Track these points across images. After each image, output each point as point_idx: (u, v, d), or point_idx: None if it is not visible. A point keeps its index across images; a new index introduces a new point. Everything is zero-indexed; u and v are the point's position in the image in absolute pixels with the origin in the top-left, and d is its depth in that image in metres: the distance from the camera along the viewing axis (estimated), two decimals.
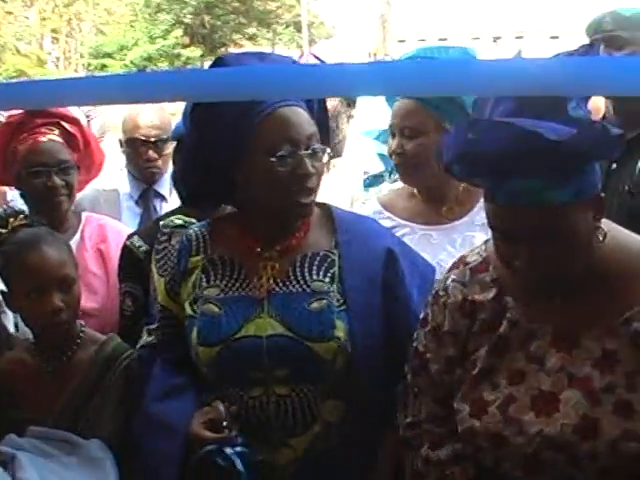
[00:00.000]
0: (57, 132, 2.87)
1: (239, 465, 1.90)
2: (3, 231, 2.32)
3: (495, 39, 37.47)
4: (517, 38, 35.72)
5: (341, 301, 2.03)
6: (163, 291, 2.19)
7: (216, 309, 2.03)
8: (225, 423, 1.95)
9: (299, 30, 32.13)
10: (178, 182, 2.31)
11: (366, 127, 3.08)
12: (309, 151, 1.99)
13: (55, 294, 2.21)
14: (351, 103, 3.54)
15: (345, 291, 2.04)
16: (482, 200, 2.53)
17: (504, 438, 1.74)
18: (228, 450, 1.91)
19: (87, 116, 5.17)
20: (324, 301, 2.02)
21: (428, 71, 1.20)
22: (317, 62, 3.34)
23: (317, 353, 1.98)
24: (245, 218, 2.12)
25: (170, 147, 3.19)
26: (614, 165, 2.76)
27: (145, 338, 2.26)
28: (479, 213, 2.56)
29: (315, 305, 2.01)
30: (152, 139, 3.35)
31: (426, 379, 1.93)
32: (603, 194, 1.74)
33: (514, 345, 1.79)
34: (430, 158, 2.51)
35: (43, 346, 2.31)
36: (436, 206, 2.59)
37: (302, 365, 1.99)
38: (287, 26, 33.52)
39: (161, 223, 2.51)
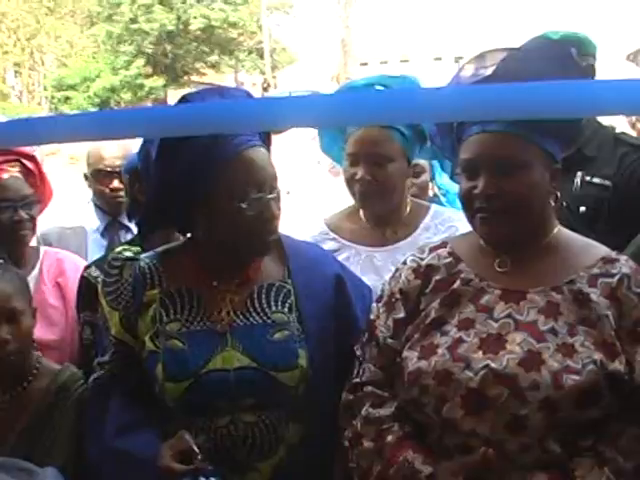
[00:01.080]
0: (17, 169, 2.95)
1: None
2: None
3: (457, 59, 37.83)
4: None
5: (300, 330, 2.09)
6: (117, 324, 2.18)
7: (180, 344, 2.06)
8: (197, 454, 1.96)
9: (262, 56, 32.24)
10: (137, 216, 2.35)
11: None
12: (274, 194, 2.05)
13: (1, 327, 2.27)
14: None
15: (303, 320, 2.10)
16: (425, 221, 2.67)
17: (450, 374, 1.81)
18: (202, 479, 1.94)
19: None
20: (286, 332, 2.08)
21: (360, 101, 1.28)
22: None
23: (282, 382, 2.04)
24: (201, 252, 2.14)
25: None
26: None
27: (98, 371, 2.24)
28: (422, 234, 2.65)
29: (278, 336, 2.07)
30: (117, 169, 3.41)
31: (372, 346, 2.00)
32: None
33: (465, 298, 1.91)
34: (397, 185, 2.61)
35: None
36: (381, 228, 2.66)
37: (267, 393, 2.04)
38: (250, 53, 33.61)
39: (110, 255, 2.55)
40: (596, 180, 2.90)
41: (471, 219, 1.93)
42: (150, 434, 2.07)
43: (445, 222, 2.65)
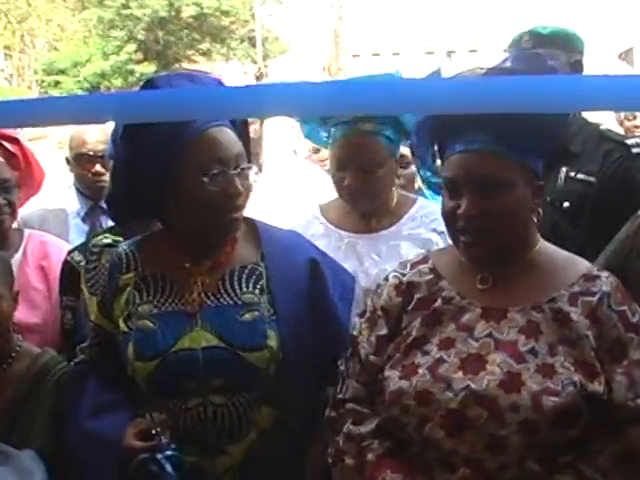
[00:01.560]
0: None
1: (168, 468, 1.96)
2: None
3: (449, 53, 37.80)
4: (471, 52, 36.07)
5: (271, 311, 2.10)
6: (95, 309, 2.23)
7: (150, 324, 2.09)
8: (154, 431, 2.01)
9: (254, 45, 32.17)
10: (109, 202, 2.37)
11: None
12: (237, 170, 2.06)
13: None
14: (262, 121, 3.67)
15: (274, 302, 2.12)
16: (411, 212, 2.69)
17: (431, 394, 1.82)
18: (159, 456, 1.97)
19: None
20: (256, 312, 2.09)
21: (342, 91, 1.29)
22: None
23: (250, 362, 2.05)
24: (173, 235, 2.18)
25: None
26: None
27: (79, 356, 2.28)
28: (406, 224, 2.68)
29: (247, 316, 2.08)
30: (99, 154, 3.42)
31: (355, 363, 2.01)
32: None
33: (446, 317, 1.92)
34: (386, 185, 2.65)
35: None
36: (367, 217, 2.70)
37: (236, 374, 2.05)
38: (242, 41, 33.50)
39: (91, 242, 2.56)
40: (580, 176, 2.91)
41: (453, 237, 1.94)
42: (121, 416, 2.11)
43: (430, 215, 2.67)
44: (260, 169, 3.65)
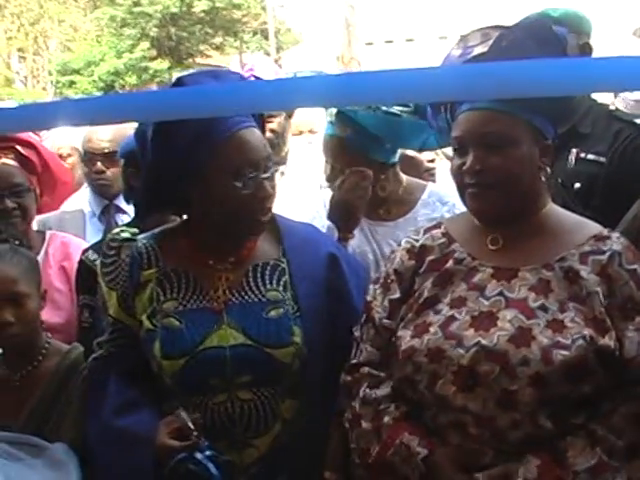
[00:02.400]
0: (12, 156, 2.98)
1: (213, 469, 1.99)
2: None
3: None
4: None
5: (295, 308, 2.14)
6: (115, 304, 2.23)
7: (177, 322, 2.11)
8: (193, 430, 2.03)
9: (266, 38, 32.08)
10: (133, 198, 2.39)
11: None
12: (268, 174, 2.09)
13: (5, 309, 2.34)
14: (291, 115, 3.69)
15: (298, 297, 2.15)
16: (423, 198, 2.72)
17: (442, 351, 1.85)
18: (199, 456, 2.00)
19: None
20: (281, 309, 2.13)
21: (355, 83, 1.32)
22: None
23: (277, 358, 2.09)
24: (196, 232, 2.20)
25: None
26: None
27: (97, 351, 2.30)
28: (420, 210, 2.71)
29: (272, 313, 2.12)
30: (103, 151, 3.46)
31: (369, 327, 2.04)
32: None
33: (458, 277, 1.95)
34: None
35: (10, 358, 2.44)
36: (376, 207, 2.74)
37: (263, 370, 2.09)
38: (254, 34, 33.43)
39: (108, 236, 2.60)
40: (590, 157, 2.93)
41: (462, 195, 1.97)
42: (148, 412, 2.13)
43: (443, 198, 2.71)
44: (284, 162, 3.67)
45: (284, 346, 2.11)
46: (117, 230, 2.61)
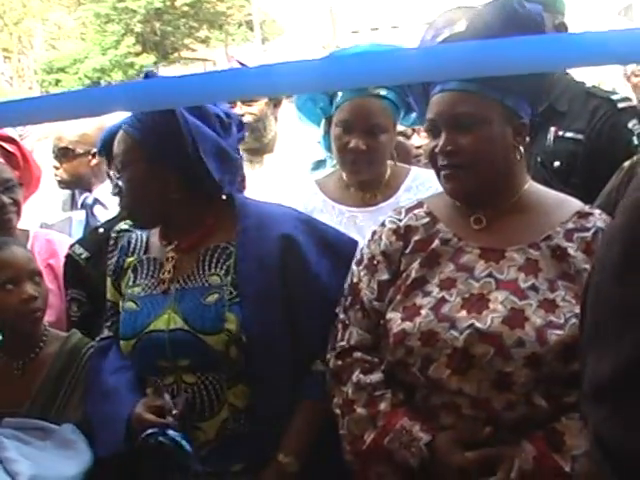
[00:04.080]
0: None
1: (187, 446, 2.03)
2: None
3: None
4: None
5: (234, 293, 2.13)
6: (111, 288, 2.36)
7: (134, 306, 2.22)
8: (174, 412, 2.08)
9: (251, 29, 31.99)
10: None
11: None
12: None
13: (28, 284, 2.42)
14: (277, 104, 3.68)
15: (239, 282, 2.14)
16: (406, 183, 2.73)
17: (435, 334, 1.87)
18: (172, 433, 2.04)
19: (20, 135, 5.30)
20: (216, 295, 2.14)
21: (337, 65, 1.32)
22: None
23: (209, 345, 2.11)
24: None
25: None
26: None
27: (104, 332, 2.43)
28: (403, 195, 2.72)
29: (209, 299, 2.15)
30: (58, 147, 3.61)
31: (358, 311, 2.04)
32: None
33: (444, 258, 1.96)
34: (386, 154, 2.70)
35: (10, 347, 2.51)
36: (361, 192, 2.74)
37: (199, 356, 2.13)
38: (239, 26, 33.32)
39: (102, 229, 2.70)
40: (569, 134, 2.94)
41: (437, 176, 1.98)
42: (134, 377, 2.25)
43: (425, 183, 2.71)
44: (269, 149, 3.68)
45: (216, 333, 2.12)
46: (121, 223, 2.69)
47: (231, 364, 2.14)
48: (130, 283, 2.27)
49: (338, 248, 2.25)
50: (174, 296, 2.19)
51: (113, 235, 2.70)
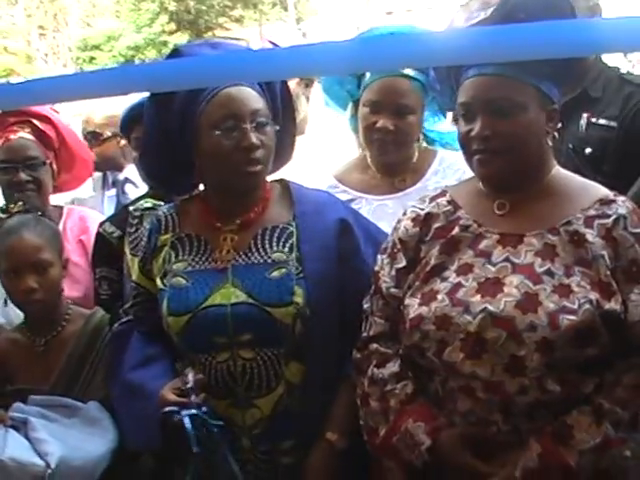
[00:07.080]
0: (28, 130, 2.98)
1: (187, 424, 2.02)
2: (3, 216, 2.57)
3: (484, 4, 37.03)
4: None
5: (299, 269, 2.16)
6: (137, 269, 2.34)
7: (184, 281, 2.18)
8: (184, 388, 2.07)
9: (285, 9, 31.91)
10: (141, 168, 2.46)
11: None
12: (253, 124, 2.12)
13: (29, 276, 2.43)
14: (309, 84, 3.66)
15: (302, 260, 2.17)
16: (433, 166, 2.71)
17: (449, 318, 1.87)
18: (183, 412, 2.03)
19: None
20: (283, 269, 2.15)
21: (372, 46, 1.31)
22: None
23: (277, 318, 2.11)
24: (206, 196, 2.28)
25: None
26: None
27: (123, 317, 2.40)
28: (431, 178, 2.69)
29: (275, 274, 2.15)
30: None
31: (378, 299, 2.06)
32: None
33: (464, 244, 1.96)
34: (414, 136, 2.66)
35: (33, 324, 2.53)
36: (390, 177, 2.71)
37: (264, 330, 2.12)
38: (273, 5, 33.26)
39: (131, 207, 2.67)
40: (601, 121, 2.91)
41: (469, 161, 1.98)
42: (161, 368, 2.22)
43: (452, 166, 2.68)
44: (300, 131, 3.66)
45: (284, 305, 2.13)
46: (141, 201, 2.68)
47: (294, 339, 2.15)
48: (172, 259, 2.23)
49: (378, 240, 2.27)
50: (231, 271, 2.18)
51: (136, 214, 2.69)
